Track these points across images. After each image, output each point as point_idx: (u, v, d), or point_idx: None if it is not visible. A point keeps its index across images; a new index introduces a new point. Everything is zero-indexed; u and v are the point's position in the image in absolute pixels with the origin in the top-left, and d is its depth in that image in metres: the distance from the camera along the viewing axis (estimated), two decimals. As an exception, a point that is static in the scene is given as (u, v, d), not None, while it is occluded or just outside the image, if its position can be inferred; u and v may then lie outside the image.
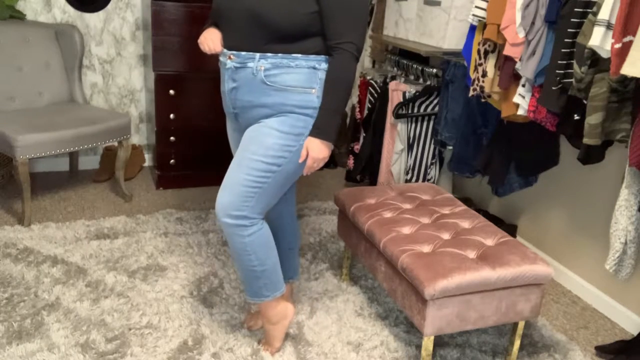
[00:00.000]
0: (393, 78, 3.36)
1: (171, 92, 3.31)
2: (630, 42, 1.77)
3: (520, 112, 2.34)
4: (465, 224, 2.21)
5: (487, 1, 2.39)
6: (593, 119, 1.97)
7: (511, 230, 2.96)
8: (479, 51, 2.50)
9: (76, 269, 2.50)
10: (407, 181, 3.22)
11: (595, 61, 1.95)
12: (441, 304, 1.84)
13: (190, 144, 3.47)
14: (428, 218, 2.26)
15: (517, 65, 2.27)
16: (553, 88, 2.11)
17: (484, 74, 2.47)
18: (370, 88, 3.45)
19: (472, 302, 1.88)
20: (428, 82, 3.22)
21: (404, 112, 3.13)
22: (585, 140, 2.01)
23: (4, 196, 3.23)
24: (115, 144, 3.44)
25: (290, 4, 1.66)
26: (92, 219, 3.01)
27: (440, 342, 2.19)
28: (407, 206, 2.37)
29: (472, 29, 2.59)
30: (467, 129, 2.92)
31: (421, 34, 3.13)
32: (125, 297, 2.33)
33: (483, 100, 2.61)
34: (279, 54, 1.73)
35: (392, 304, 2.42)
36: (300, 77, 1.75)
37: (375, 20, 3.78)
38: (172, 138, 3.41)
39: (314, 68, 1.75)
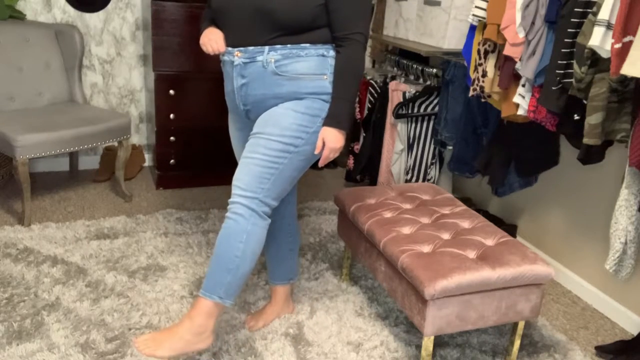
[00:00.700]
0: (393, 78, 3.36)
1: (171, 92, 3.31)
2: (630, 42, 1.77)
3: (520, 112, 2.34)
4: (465, 224, 2.21)
5: (487, 1, 2.39)
6: (593, 119, 1.97)
7: (511, 230, 2.96)
8: (479, 51, 2.50)
9: (76, 269, 2.50)
10: (407, 181, 3.22)
11: (595, 61, 1.95)
12: (441, 304, 1.84)
13: (190, 144, 3.47)
14: (428, 218, 2.26)
15: (517, 65, 2.27)
16: (553, 88, 2.11)
17: (484, 74, 2.47)
18: (370, 88, 3.45)
19: (472, 302, 1.88)
20: (428, 82, 3.22)
21: (404, 112, 3.13)
22: (585, 140, 2.01)
23: (4, 196, 3.23)
24: (115, 144, 3.44)
25: None
26: (92, 219, 3.01)
27: (440, 342, 2.19)
28: (407, 206, 2.37)
29: (472, 29, 2.59)
30: (467, 129, 2.93)
31: (421, 34, 3.13)
32: (125, 297, 2.33)
33: (483, 100, 2.61)
34: (288, 45, 1.74)
35: (392, 304, 2.42)
36: (311, 64, 1.76)
37: (375, 20, 3.78)
38: (172, 138, 3.41)
39: (323, 55, 1.76)
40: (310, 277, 2.58)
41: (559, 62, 2.07)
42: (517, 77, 2.33)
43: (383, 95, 3.30)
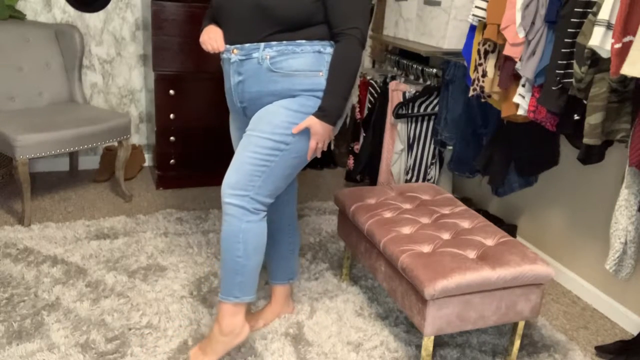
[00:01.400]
0: (393, 78, 3.36)
1: (171, 92, 3.31)
2: (630, 42, 1.77)
3: (520, 112, 2.34)
4: (465, 224, 2.21)
5: (487, 1, 2.39)
6: (593, 119, 1.97)
7: (511, 230, 2.96)
8: (479, 51, 2.50)
9: (76, 269, 2.50)
10: (407, 181, 3.22)
11: (595, 61, 1.95)
12: (441, 304, 1.84)
13: (190, 144, 3.47)
14: (428, 218, 2.26)
15: (517, 65, 2.27)
16: (553, 88, 2.11)
17: (484, 74, 2.47)
18: (370, 88, 3.45)
19: (472, 302, 1.88)
20: (428, 82, 3.22)
21: (404, 112, 3.13)
22: (585, 140, 2.01)
23: (4, 196, 3.23)
24: (115, 144, 3.44)
25: None
26: (92, 219, 3.01)
27: (440, 342, 2.19)
28: (407, 206, 2.37)
29: (472, 29, 2.59)
30: (467, 129, 2.93)
31: (421, 34, 3.13)
32: (125, 297, 2.33)
33: (483, 100, 2.61)
34: (284, 42, 1.73)
35: (392, 304, 2.42)
36: (307, 60, 1.75)
37: (375, 20, 3.78)
38: (172, 138, 3.41)
39: (319, 52, 1.76)
40: (310, 277, 2.58)
41: (559, 62, 2.07)
42: (517, 77, 2.33)
43: (383, 95, 3.30)
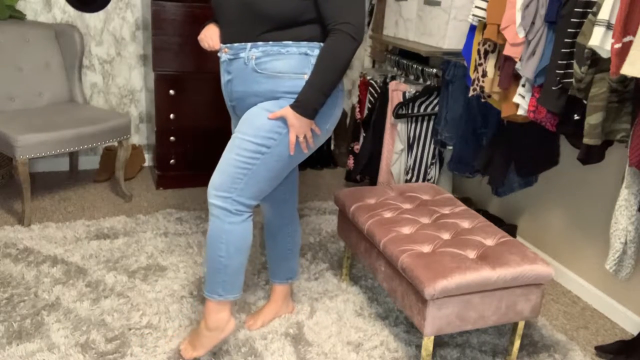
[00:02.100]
0: (393, 78, 3.36)
1: (171, 92, 3.31)
2: (630, 42, 1.77)
3: (520, 112, 2.34)
4: (465, 224, 2.21)
5: (487, 1, 2.39)
6: (593, 119, 1.97)
7: (511, 230, 2.96)
8: (479, 51, 2.50)
9: (76, 269, 2.50)
10: (407, 181, 3.22)
11: (595, 61, 1.95)
12: (441, 304, 1.84)
13: (190, 144, 3.47)
14: (428, 218, 2.26)
15: (517, 65, 2.27)
16: (553, 88, 2.11)
17: (484, 74, 2.47)
18: (370, 88, 3.45)
19: (472, 302, 1.88)
20: (428, 82, 3.22)
21: (404, 112, 3.13)
22: (585, 140, 2.01)
23: (4, 196, 3.23)
24: (115, 144, 3.44)
25: None
26: (92, 219, 3.01)
27: (440, 342, 2.19)
28: (407, 206, 2.37)
29: (472, 29, 2.59)
30: (467, 129, 2.92)
31: (421, 34, 3.13)
32: (125, 297, 2.33)
33: (483, 100, 2.61)
34: (270, 42, 1.72)
35: (392, 304, 2.42)
36: (291, 62, 1.72)
37: (375, 20, 3.78)
38: (172, 138, 3.41)
39: (306, 54, 1.73)
40: (310, 277, 2.58)
41: (559, 62, 2.07)
42: (517, 77, 2.33)
43: (383, 95, 3.30)
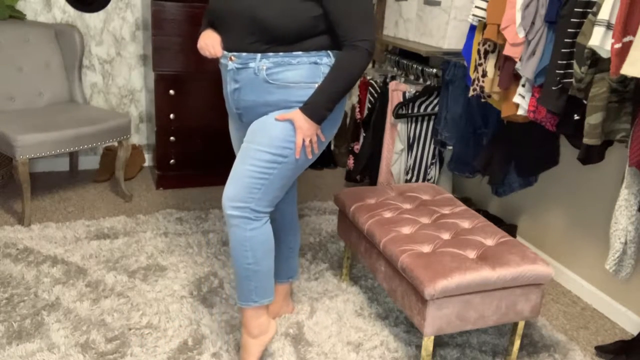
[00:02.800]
0: (393, 78, 3.36)
1: (171, 92, 3.31)
2: (630, 42, 1.77)
3: (520, 112, 2.34)
4: (465, 224, 2.21)
5: (487, 1, 2.39)
6: (593, 119, 1.97)
7: (511, 230, 2.96)
8: (479, 51, 2.50)
9: (76, 269, 2.50)
10: (407, 181, 3.22)
11: (595, 61, 1.95)
12: (441, 304, 1.84)
13: (190, 144, 3.47)
14: (428, 218, 2.26)
15: (517, 65, 2.27)
16: (553, 88, 2.11)
17: (484, 74, 2.47)
18: (370, 88, 3.45)
19: (472, 302, 1.88)
20: (428, 82, 3.22)
21: (404, 112, 3.13)
22: (585, 140, 2.01)
23: (4, 196, 3.23)
24: (115, 144, 3.44)
25: (293, 9, 1.66)
26: (92, 219, 3.01)
27: (440, 342, 2.19)
28: (407, 206, 2.37)
29: (472, 29, 2.59)
30: (467, 129, 2.92)
31: (421, 34, 3.13)
32: (125, 297, 2.33)
33: (483, 100, 2.61)
34: (280, 53, 1.73)
35: (392, 304, 2.42)
36: (303, 72, 1.74)
37: (375, 20, 3.78)
38: (172, 138, 3.41)
39: (316, 63, 1.75)
40: (310, 277, 2.58)
41: (559, 62, 2.07)
42: (517, 77, 2.33)
43: (383, 95, 3.30)
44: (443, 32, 2.94)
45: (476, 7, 2.46)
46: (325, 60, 1.76)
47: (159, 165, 3.45)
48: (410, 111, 3.14)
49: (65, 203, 3.20)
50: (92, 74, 3.61)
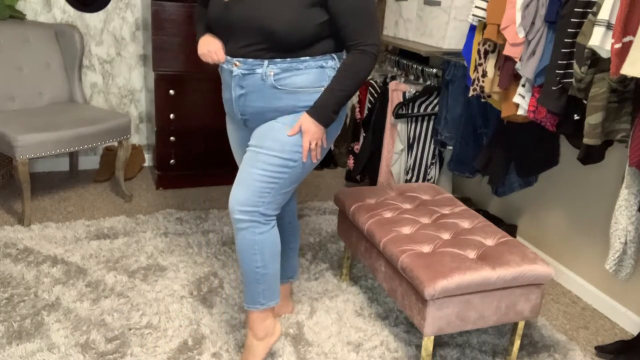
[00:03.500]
0: (393, 78, 3.36)
1: (171, 92, 3.31)
2: (630, 42, 1.77)
3: (520, 112, 2.34)
4: (465, 224, 2.21)
5: (487, 1, 2.39)
6: (593, 119, 1.97)
7: (511, 230, 2.96)
8: (479, 51, 2.50)
9: (76, 269, 2.50)
10: (407, 181, 3.22)
11: (595, 61, 1.95)
12: (441, 304, 1.84)
13: (190, 144, 3.47)
14: (428, 218, 2.26)
15: (517, 65, 2.27)
16: (553, 88, 2.11)
17: (484, 74, 2.47)
18: (370, 88, 3.45)
19: (472, 302, 1.88)
20: (428, 82, 3.22)
21: (404, 112, 3.13)
22: (585, 140, 2.01)
23: (4, 196, 3.23)
24: (115, 144, 3.44)
25: (301, 18, 1.66)
26: (92, 219, 3.01)
27: (440, 342, 2.19)
28: (407, 206, 2.37)
29: (472, 29, 2.59)
30: (467, 129, 2.93)
31: (421, 34, 3.13)
32: (125, 297, 2.33)
33: (483, 100, 2.61)
34: (287, 59, 1.73)
35: (392, 304, 2.42)
36: (310, 77, 1.75)
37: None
38: (172, 138, 3.41)
39: (322, 67, 1.76)
40: (310, 277, 2.58)
41: (559, 62, 2.07)
42: (517, 77, 2.33)
43: (383, 95, 3.30)
44: (443, 32, 2.94)
45: (476, 7, 2.46)
46: (331, 64, 1.77)
47: (159, 165, 3.45)
48: (410, 111, 3.14)
49: (65, 203, 3.20)
50: (92, 74, 3.61)
